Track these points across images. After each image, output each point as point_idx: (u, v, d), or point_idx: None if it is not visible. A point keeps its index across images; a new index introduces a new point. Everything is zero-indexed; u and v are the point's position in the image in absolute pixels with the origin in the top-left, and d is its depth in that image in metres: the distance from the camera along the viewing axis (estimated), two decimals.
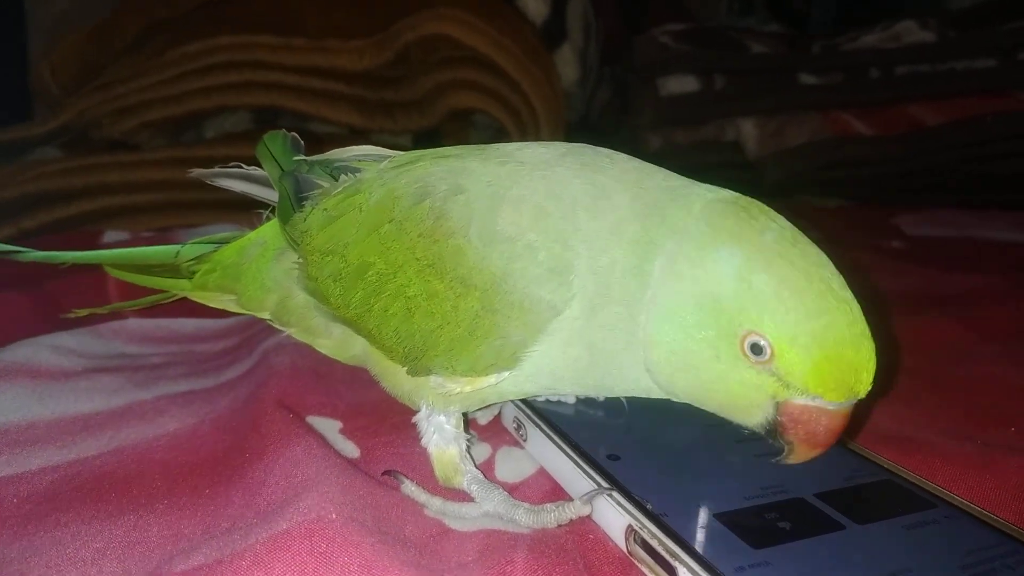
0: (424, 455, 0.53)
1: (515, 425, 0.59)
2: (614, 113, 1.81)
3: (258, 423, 0.56)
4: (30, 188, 1.20)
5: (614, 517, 0.46)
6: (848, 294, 0.42)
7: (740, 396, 0.44)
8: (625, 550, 0.45)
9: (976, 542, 0.43)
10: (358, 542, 0.41)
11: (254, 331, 0.78)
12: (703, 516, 0.45)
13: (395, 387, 0.55)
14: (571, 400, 0.60)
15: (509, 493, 0.51)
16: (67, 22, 1.53)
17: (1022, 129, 1.48)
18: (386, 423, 0.60)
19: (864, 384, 0.42)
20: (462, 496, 0.51)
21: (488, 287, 0.45)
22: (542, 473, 0.55)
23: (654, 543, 0.43)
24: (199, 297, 0.66)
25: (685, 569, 0.40)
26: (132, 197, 1.25)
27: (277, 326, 0.62)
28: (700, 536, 0.43)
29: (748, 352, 0.42)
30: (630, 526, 0.44)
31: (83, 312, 0.73)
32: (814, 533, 0.43)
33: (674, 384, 0.46)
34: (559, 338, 0.46)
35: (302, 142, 0.65)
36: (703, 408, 0.47)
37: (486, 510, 0.49)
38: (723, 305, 0.42)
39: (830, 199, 1.58)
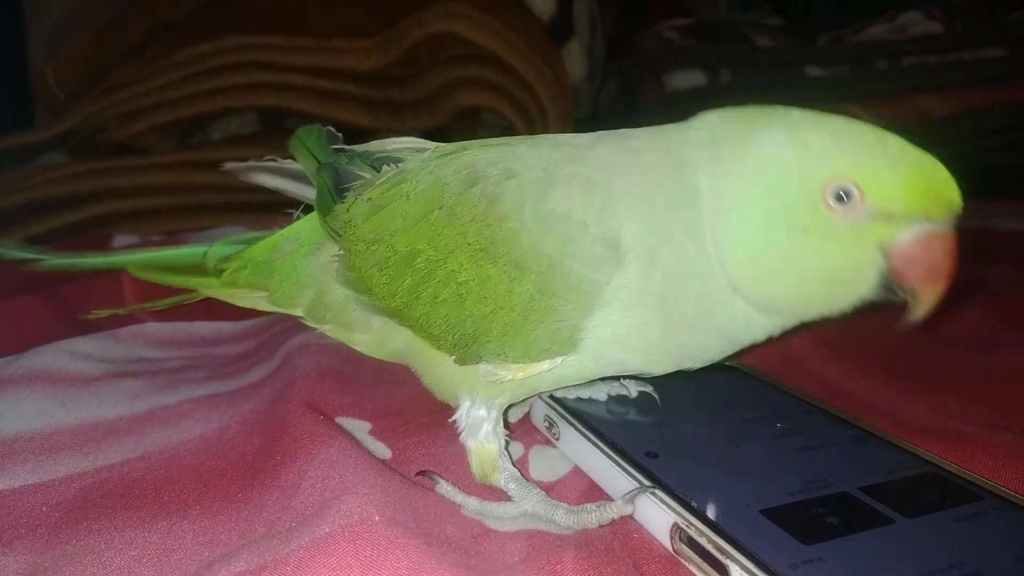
0: (458, 454, 0.52)
1: (546, 424, 0.58)
2: (621, 108, 1.81)
3: (287, 425, 0.55)
4: (38, 193, 1.19)
5: (658, 515, 0.45)
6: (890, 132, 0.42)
7: (846, 263, 0.42)
8: (671, 549, 0.44)
9: None
10: (404, 544, 0.40)
11: (274, 333, 0.78)
12: (749, 512, 0.44)
13: (438, 381, 0.54)
14: (602, 397, 0.59)
15: (546, 493, 0.50)
16: (67, 26, 1.52)
17: None
18: (415, 423, 0.59)
19: (956, 194, 0.41)
20: (498, 495, 0.50)
21: (544, 269, 0.44)
22: (577, 472, 0.54)
23: (702, 541, 0.42)
24: (226, 295, 0.66)
25: (737, 567, 0.40)
26: (140, 201, 1.24)
27: (311, 323, 0.62)
28: (749, 532, 0.42)
29: (834, 205, 0.41)
30: (676, 524, 0.44)
31: (104, 312, 0.72)
32: (864, 527, 0.43)
33: (775, 291, 0.44)
34: (616, 306, 0.45)
35: (339, 134, 0.64)
36: (812, 309, 0.45)
37: (524, 510, 0.48)
38: (789, 175, 0.42)
39: None
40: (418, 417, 0.60)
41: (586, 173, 0.46)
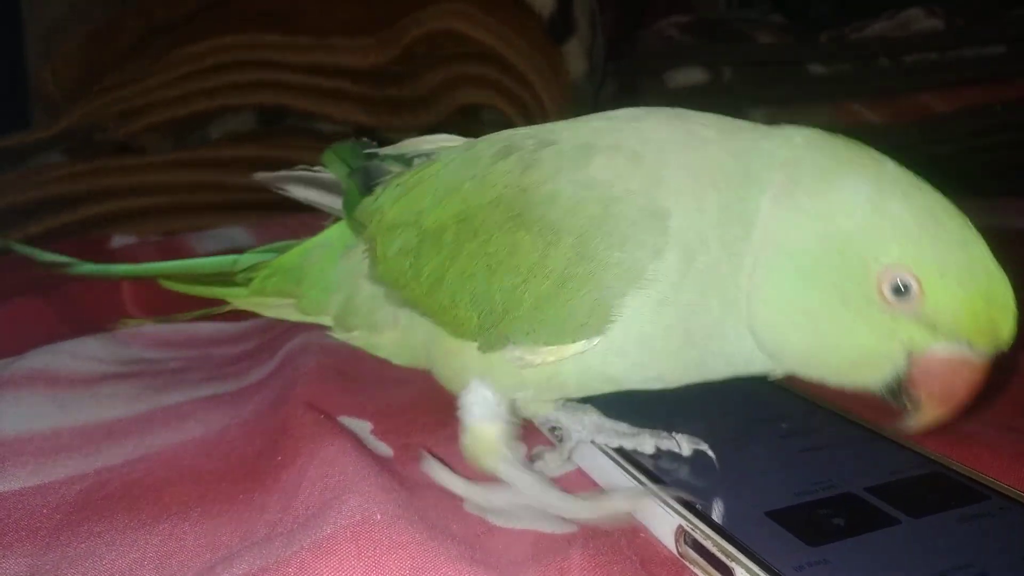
0: (460, 454, 0.51)
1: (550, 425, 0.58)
2: (622, 106, 1.81)
3: (288, 425, 0.55)
4: (36, 194, 1.20)
5: (662, 517, 0.45)
6: (977, 232, 0.38)
7: (869, 349, 0.39)
8: (675, 551, 0.44)
9: None
10: (406, 543, 0.40)
11: (275, 333, 0.77)
12: (754, 514, 0.44)
13: (456, 372, 0.50)
14: (650, 450, 0.56)
15: None
16: (64, 27, 1.51)
17: None
18: (417, 423, 0.59)
19: (1011, 330, 0.37)
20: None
21: (584, 231, 0.41)
22: (580, 473, 0.54)
23: (707, 544, 0.41)
24: (254, 305, 0.66)
25: (742, 570, 0.39)
26: (139, 201, 1.24)
27: (339, 335, 0.61)
28: (754, 535, 0.41)
29: (887, 293, 0.37)
30: (680, 527, 0.43)
31: (132, 323, 0.72)
32: (870, 528, 0.42)
33: (786, 344, 0.41)
34: (652, 297, 0.42)
35: (374, 142, 0.63)
36: (814, 373, 0.42)
37: (521, 497, 0.47)
38: (854, 240, 0.38)
39: None
40: (420, 417, 0.60)
41: (631, 145, 0.43)
